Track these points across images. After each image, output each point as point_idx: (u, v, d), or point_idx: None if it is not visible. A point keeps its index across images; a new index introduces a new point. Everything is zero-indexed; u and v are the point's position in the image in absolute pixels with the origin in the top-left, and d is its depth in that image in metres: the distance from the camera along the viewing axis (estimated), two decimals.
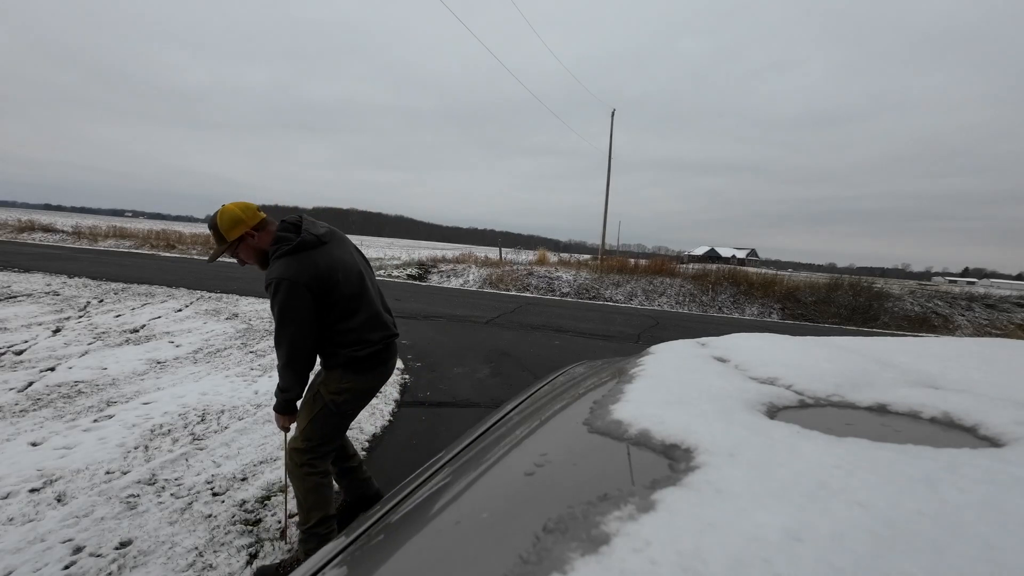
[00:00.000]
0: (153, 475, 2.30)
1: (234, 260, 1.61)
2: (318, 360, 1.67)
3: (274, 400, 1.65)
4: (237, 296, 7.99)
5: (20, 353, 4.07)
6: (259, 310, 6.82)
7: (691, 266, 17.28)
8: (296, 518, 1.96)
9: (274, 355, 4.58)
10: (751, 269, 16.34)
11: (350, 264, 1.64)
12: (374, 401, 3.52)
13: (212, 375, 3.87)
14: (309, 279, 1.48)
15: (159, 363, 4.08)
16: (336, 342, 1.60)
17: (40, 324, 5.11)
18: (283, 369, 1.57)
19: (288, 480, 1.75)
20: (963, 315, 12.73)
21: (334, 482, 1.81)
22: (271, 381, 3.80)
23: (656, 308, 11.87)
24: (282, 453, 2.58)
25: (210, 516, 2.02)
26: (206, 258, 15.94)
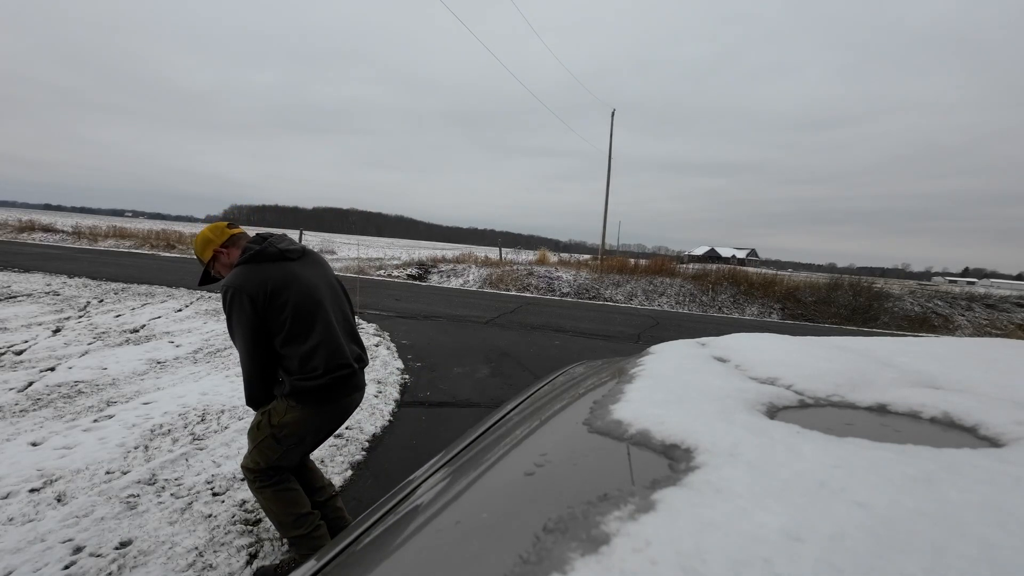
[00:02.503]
0: (153, 475, 2.30)
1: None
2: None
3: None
4: None
5: (20, 353, 4.07)
6: None
7: (691, 266, 17.29)
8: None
9: None
10: (751, 269, 16.34)
11: (312, 285, 1.58)
12: (374, 401, 3.52)
13: (212, 375, 3.87)
14: (253, 288, 1.46)
15: (159, 363, 4.08)
16: (284, 367, 1.54)
17: (40, 324, 5.11)
18: (243, 373, 1.59)
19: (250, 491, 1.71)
20: (963, 315, 12.74)
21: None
22: None
23: (656, 308, 11.87)
24: None
25: (210, 516, 2.02)
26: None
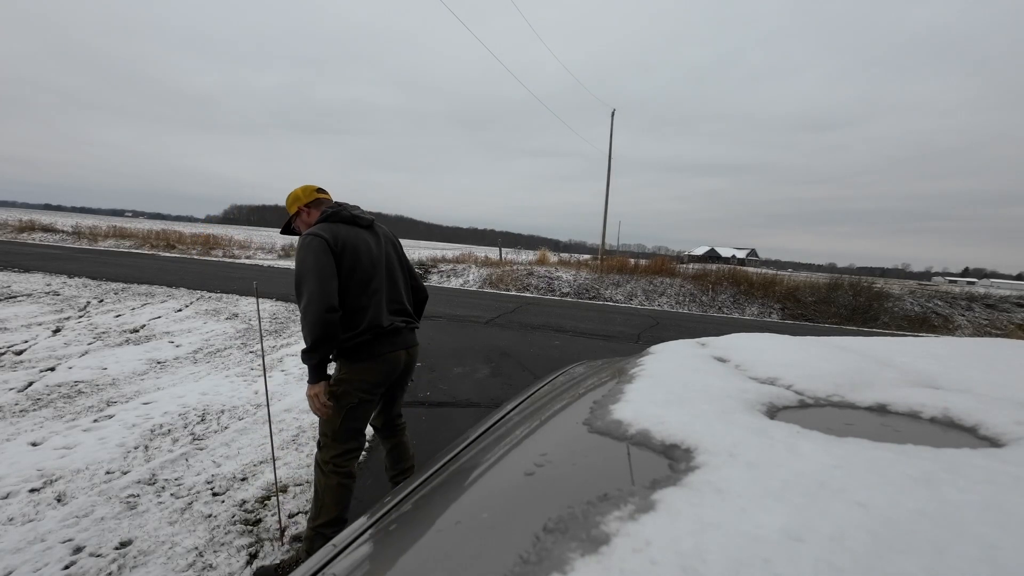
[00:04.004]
0: (153, 475, 2.30)
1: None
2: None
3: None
4: (237, 296, 7.99)
5: (20, 353, 4.07)
6: (261, 309, 6.85)
7: (691, 266, 17.28)
8: (298, 516, 1.98)
9: (275, 355, 4.59)
10: (751, 269, 16.33)
11: (375, 252, 1.70)
12: None
13: (212, 375, 3.87)
14: (330, 236, 1.58)
15: (159, 363, 4.08)
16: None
17: (40, 324, 5.11)
18: (301, 324, 1.54)
19: (313, 470, 1.80)
20: (963, 315, 12.73)
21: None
22: (271, 381, 3.80)
23: (656, 308, 11.87)
24: (281, 452, 2.59)
25: (210, 516, 2.02)
26: (206, 258, 15.95)
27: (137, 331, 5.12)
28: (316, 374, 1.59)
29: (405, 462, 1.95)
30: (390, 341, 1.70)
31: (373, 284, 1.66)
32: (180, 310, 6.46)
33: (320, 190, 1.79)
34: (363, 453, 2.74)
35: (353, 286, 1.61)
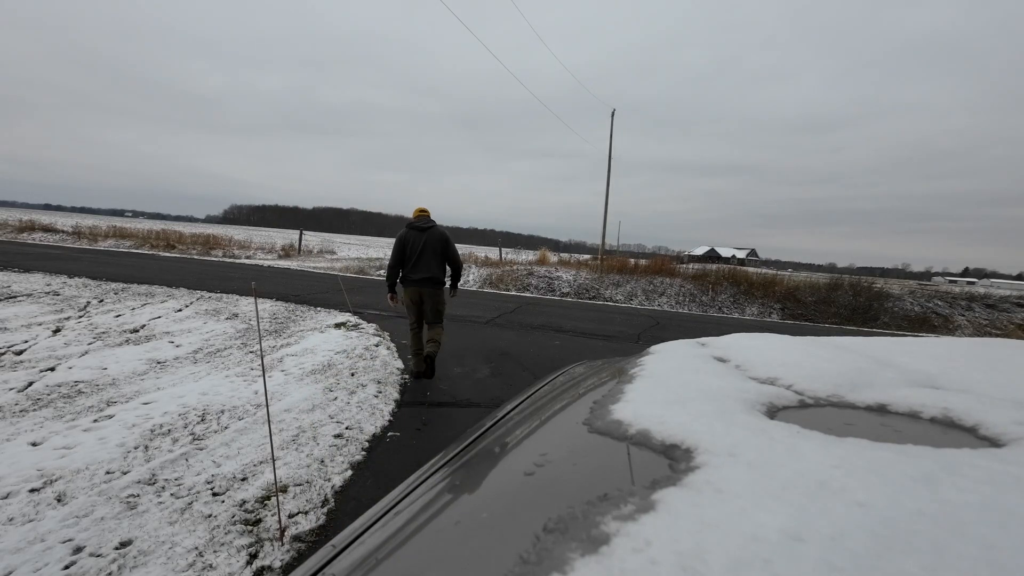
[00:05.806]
0: (153, 475, 2.30)
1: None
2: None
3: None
4: (237, 296, 7.99)
5: (20, 353, 4.07)
6: (261, 309, 6.83)
7: (691, 266, 17.26)
8: (297, 516, 2.00)
9: (274, 355, 4.62)
10: (751, 269, 16.32)
11: (415, 244, 3.91)
12: (373, 400, 3.54)
13: (212, 375, 3.87)
14: (400, 236, 3.97)
15: (159, 363, 4.08)
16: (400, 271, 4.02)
17: (40, 324, 5.11)
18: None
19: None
20: (963, 315, 12.73)
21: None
22: (271, 381, 3.80)
23: (656, 308, 11.87)
24: (281, 452, 2.59)
25: (210, 516, 2.02)
26: (206, 258, 15.97)
27: (137, 331, 5.12)
28: (390, 290, 4.19)
29: (426, 342, 4.14)
30: (409, 283, 3.95)
31: (412, 258, 3.89)
32: (180, 310, 6.46)
33: (422, 210, 4.07)
34: (363, 453, 2.74)
35: (403, 258, 3.92)
